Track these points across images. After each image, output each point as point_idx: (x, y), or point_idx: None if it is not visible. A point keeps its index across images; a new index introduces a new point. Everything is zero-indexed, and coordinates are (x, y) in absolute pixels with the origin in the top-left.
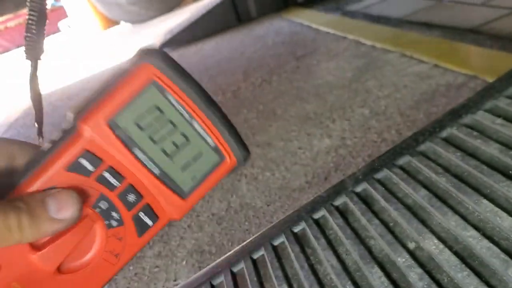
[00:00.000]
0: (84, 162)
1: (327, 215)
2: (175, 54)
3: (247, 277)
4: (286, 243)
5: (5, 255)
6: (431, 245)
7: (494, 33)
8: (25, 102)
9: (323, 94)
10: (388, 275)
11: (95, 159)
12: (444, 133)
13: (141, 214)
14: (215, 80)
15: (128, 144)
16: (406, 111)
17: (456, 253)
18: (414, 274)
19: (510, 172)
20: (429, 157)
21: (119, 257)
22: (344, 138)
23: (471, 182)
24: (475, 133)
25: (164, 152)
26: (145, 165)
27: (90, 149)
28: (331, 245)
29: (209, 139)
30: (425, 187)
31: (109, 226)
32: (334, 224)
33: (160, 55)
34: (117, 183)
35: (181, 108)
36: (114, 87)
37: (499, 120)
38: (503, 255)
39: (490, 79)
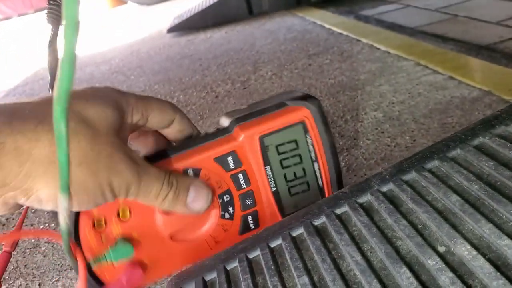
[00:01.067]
0: (229, 160)
1: (350, 211)
2: (183, 40)
3: (263, 264)
4: (305, 235)
5: (139, 206)
6: (463, 251)
7: (508, 52)
8: (26, 70)
9: (336, 94)
10: (417, 276)
11: (238, 161)
12: (475, 141)
13: (249, 217)
14: (223, 68)
15: (265, 159)
16: (420, 118)
17: (489, 260)
18: (445, 277)
19: None
20: (460, 163)
21: (217, 245)
22: (357, 139)
23: (505, 192)
24: (508, 144)
25: (285, 177)
26: (268, 181)
27: (238, 151)
28: (355, 241)
29: (319, 180)
30: (456, 192)
31: (222, 216)
32: (358, 221)
33: (316, 104)
34: (244, 185)
35: (312, 149)
36: (274, 113)
37: None
38: None
39: (505, 96)
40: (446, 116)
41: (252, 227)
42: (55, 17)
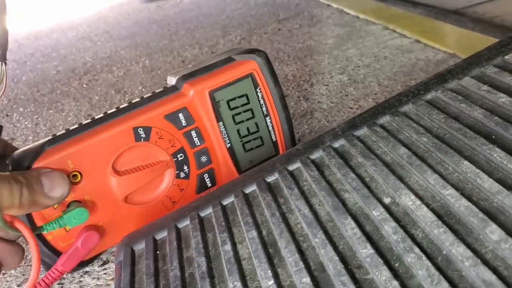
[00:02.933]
0: (180, 116)
1: (302, 167)
2: (152, 5)
3: (214, 221)
4: (258, 191)
5: (90, 169)
6: (407, 201)
7: (476, 16)
8: None
9: (303, 58)
10: (361, 227)
11: (190, 117)
12: (428, 96)
13: (205, 175)
14: (192, 33)
15: (217, 115)
16: (384, 81)
17: (433, 210)
18: (388, 227)
19: (493, 136)
20: (411, 117)
21: (174, 205)
22: (321, 102)
23: (453, 144)
24: (460, 97)
25: (238, 132)
26: (222, 137)
27: (189, 107)
28: (304, 195)
29: (272, 135)
30: (405, 145)
31: (178, 176)
32: (309, 176)
33: (263, 56)
34: (198, 143)
35: (263, 103)
36: (222, 68)
37: (485, 87)
38: (481, 215)
39: None
40: (410, 78)
41: (209, 185)
42: None
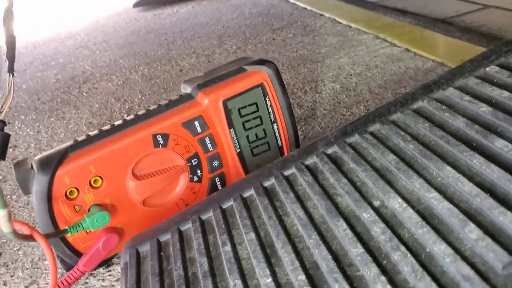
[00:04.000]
0: (196, 124)
1: (297, 172)
2: (149, 14)
3: (214, 224)
4: (255, 195)
5: (111, 174)
6: (395, 204)
7: (464, 25)
8: None
9: (297, 66)
10: (352, 228)
11: (204, 125)
12: (415, 105)
13: (217, 179)
14: (189, 43)
15: (229, 122)
16: (375, 89)
17: (418, 212)
18: (377, 228)
19: (474, 144)
20: (399, 125)
21: (187, 207)
22: (314, 109)
23: (437, 151)
24: (444, 107)
25: (247, 138)
26: (233, 143)
27: (204, 115)
28: (299, 199)
29: (279, 140)
30: (393, 152)
31: (191, 179)
32: (303, 181)
33: (273, 67)
34: (211, 148)
35: (271, 110)
36: (235, 78)
37: (467, 97)
38: (461, 216)
39: None
40: (400, 86)
41: (220, 188)
42: None
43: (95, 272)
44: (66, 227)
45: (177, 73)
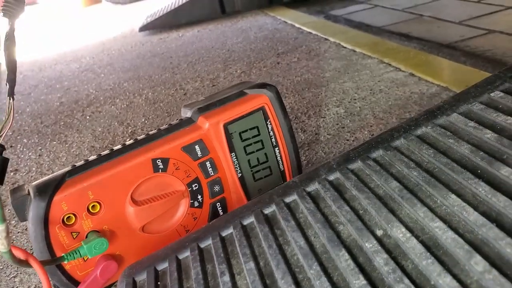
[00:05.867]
0: (196, 148)
1: (298, 199)
2: (155, 38)
3: (213, 252)
4: (255, 223)
5: (109, 199)
6: (398, 233)
7: (468, 50)
8: None
9: (301, 91)
10: (354, 258)
11: (205, 149)
12: (418, 131)
13: (218, 204)
14: (194, 66)
15: (230, 147)
16: (379, 114)
17: (422, 242)
18: (380, 259)
19: (479, 171)
20: (402, 152)
21: (187, 233)
22: (318, 134)
23: (441, 178)
24: (448, 133)
25: (249, 162)
26: (234, 167)
27: (204, 139)
28: (300, 227)
29: (281, 165)
30: (397, 179)
31: (192, 205)
32: (305, 208)
33: (274, 91)
34: (212, 173)
35: (273, 135)
36: (235, 101)
37: (471, 123)
38: (467, 246)
39: None
40: (404, 111)
41: (221, 213)
42: (12, 10)
43: None
44: (63, 254)
45: (181, 97)
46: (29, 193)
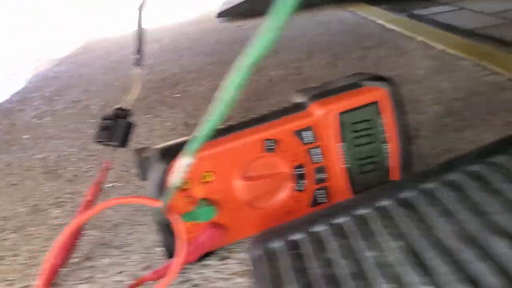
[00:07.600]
0: (307, 134)
1: (440, 187)
2: (232, 25)
3: (350, 229)
4: (392, 206)
5: (222, 171)
6: None
7: None
8: (80, 40)
9: None
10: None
11: (315, 135)
12: None
13: (320, 191)
14: (277, 55)
15: (340, 136)
16: (483, 115)
17: None
18: None
19: None
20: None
21: (288, 215)
22: (419, 129)
23: None
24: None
25: (357, 154)
26: (342, 157)
27: (315, 126)
28: (447, 213)
29: (389, 161)
30: None
31: (295, 188)
32: (449, 196)
33: (392, 86)
34: (319, 160)
35: (385, 130)
36: (350, 92)
37: None
38: None
39: None
40: (510, 115)
41: (323, 200)
42: None
43: (209, 263)
44: (180, 215)
45: (266, 83)
46: (151, 156)
